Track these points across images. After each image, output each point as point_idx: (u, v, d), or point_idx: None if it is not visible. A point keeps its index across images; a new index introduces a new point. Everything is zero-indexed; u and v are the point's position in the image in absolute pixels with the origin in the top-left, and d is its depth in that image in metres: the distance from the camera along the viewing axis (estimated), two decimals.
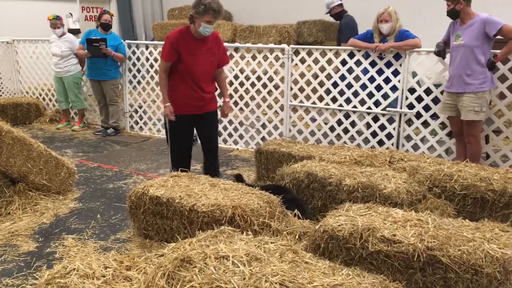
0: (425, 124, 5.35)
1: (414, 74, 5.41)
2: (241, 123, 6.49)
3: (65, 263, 2.48)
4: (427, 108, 5.25)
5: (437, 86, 5.18)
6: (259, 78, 6.24)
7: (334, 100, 5.80)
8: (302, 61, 5.94)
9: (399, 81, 5.32)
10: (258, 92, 6.29)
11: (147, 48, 7.16)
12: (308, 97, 6.02)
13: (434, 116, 5.27)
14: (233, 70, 6.43)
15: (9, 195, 4.23)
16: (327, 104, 5.85)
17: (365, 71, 5.53)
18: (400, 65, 5.28)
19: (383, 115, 5.49)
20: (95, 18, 11.58)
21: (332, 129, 5.97)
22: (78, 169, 4.96)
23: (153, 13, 13.08)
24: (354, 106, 5.69)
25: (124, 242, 3.64)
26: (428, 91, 5.23)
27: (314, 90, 5.90)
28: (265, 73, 6.18)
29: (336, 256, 2.76)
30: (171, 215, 3.40)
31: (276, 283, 2.08)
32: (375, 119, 5.57)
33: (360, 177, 3.72)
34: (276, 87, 6.12)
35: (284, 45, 6.00)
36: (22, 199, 4.25)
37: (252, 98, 6.37)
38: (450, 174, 3.76)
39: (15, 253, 3.46)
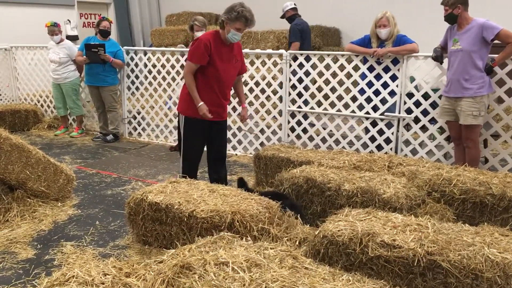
0: (424, 128, 5.36)
1: (412, 79, 5.42)
2: (239, 129, 6.49)
3: (64, 270, 2.46)
4: (425, 112, 5.26)
5: (435, 90, 5.19)
6: (257, 84, 6.25)
7: (332, 105, 5.81)
8: (300, 66, 5.95)
9: (397, 85, 5.33)
10: (257, 97, 6.30)
11: (145, 54, 7.17)
12: (306, 102, 6.03)
13: (433, 121, 5.28)
14: None
15: (7, 202, 4.21)
16: (325, 109, 5.86)
17: (363, 76, 5.55)
18: (398, 70, 5.30)
19: (382, 120, 5.50)
20: (93, 25, 11.65)
21: (330, 134, 5.97)
22: (76, 176, 4.95)
23: (151, 20, 13.13)
24: (353, 111, 5.70)
25: (123, 249, 3.63)
26: (426, 96, 5.24)
27: (313, 95, 5.91)
28: (264, 78, 6.19)
29: (336, 262, 2.76)
30: (170, 221, 3.39)
31: None
32: (374, 124, 5.58)
33: (359, 182, 3.72)
34: (275, 92, 6.13)
35: (282, 51, 6.01)
36: (20, 206, 4.24)
37: (251, 103, 6.37)
38: (449, 178, 3.76)
39: (14, 261, 3.44)
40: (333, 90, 5.77)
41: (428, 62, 5.15)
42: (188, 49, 4.68)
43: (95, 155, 6.50)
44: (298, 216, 3.58)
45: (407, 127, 5.54)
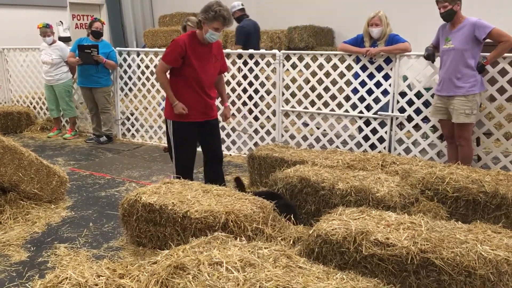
0: (417, 127, 5.38)
1: (405, 78, 5.45)
2: (233, 129, 6.49)
3: (58, 272, 2.45)
4: (418, 111, 5.28)
5: (427, 89, 5.21)
6: (250, 84, 6.25)
7: (326, 104, 5.82)
8: (294, 66, 5.96)
9: (390, 85, 5.34)
10: (250, 97, 6.30)
11: (138, 55, 7.15)
12: (300, 102, 6.04)
13: (425, 120, 5.30)
14: (225, 76, 6.43)
15: (0, 204, 4.19)
16: (319, 108, 5.87)
17: (356, 76, 5.56)
18: (391, 69, 5.31)
19: (375, 119, 5.51)
20: (85, 26, 11.60)
21: (324, 133, 5.98)
22: (70, 178, 4.93)
23: (144, 20, 13.09)
24: (346, 111, 5.72)
25: (117, 250, 3.62)
26: (419, 95, 5.26)
27: (306, 95, 5.92)
28: (257, 78, 6.19)
29: (330, 261, 2.76)
30: (164, 222, 3.38)
31: None
32: (367, 123, 5.59)
33: (353, 181, 3.73)
34: (268, 92, 6.13)
35: (275, 51, 6.01)
36: (13, 209, 4.22)
37: (244, 103, 6.37)
38: (442, 176, 3.77)
39: (7, 263, 3.42)
40: (326, 89, 5.78)
41: (421, 61, 5.17)
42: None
43: (88, 156, 6.47)
44: (292, 216, 3.58)
45: (400, 126, 5.56)
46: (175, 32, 10.54)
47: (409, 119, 5.38)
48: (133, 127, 7.40)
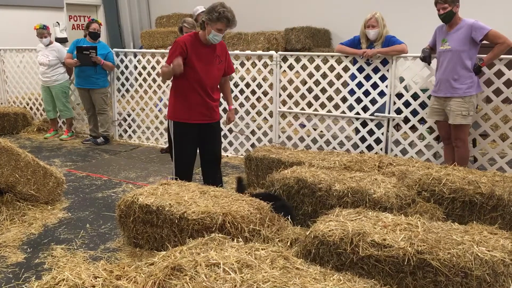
0: (413, 128, 5.40)
1: (402, 79, 5.46)
2: (230, 130, 6.49)
3: (54, 273, 2.45)
4: (415, 112, 5.30)
5: (424, 91, 5.23)
6: (248, 85, 6.25)
7: (322, 106, 5.84)
8: (291, 67, 5.96)
9: (386, 86, 5.36)
10: (247, 99, 6.30)
11: (135, 56, 7.15)
12: (297, 103, 6.05)
13: (422, 121, 5.32)
14: None
15: None
16: (315, 110, 5.88)
17: (353, 77, 5.57)
18: (388, 70, 5.33)
19: (372, 120, 5.52)
20: (82, 27, 11.59)
21: (321, 135, 5.99)
22: (66, 179, 4.92)
23: (141, 22, 13.09)
24: (343, 112, 5.73)
25: (114, 252, 3.61)
26: (415, 96, 5.27)
27: (303, 96, 5.93)
28: (254, 80, 6.20)
29: (327, 262, 2.76)
30: (161, 223, 3.38)
31: None
32: (364, 124, 5.60)
33: (349, 182, 3.73)
34: (265, 93, 6.14)
35: (272, 52, 6.02)
36: (9, 210, 4.20)
37: (241, 105, 6.38)
38: (439, 178, 3.78)
39: (3, 265, 3.41)
40: (323, 91, 5.79)
41: (417, 62, 5.18)
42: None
43: (85, 157, 6.46)
44: (289, 217, 3.58)
45: (397, 127, 5.57)
46: (172, 33, 10.55)
47: (406, 120, 5.39)
48: (130, 128, 7.39)
